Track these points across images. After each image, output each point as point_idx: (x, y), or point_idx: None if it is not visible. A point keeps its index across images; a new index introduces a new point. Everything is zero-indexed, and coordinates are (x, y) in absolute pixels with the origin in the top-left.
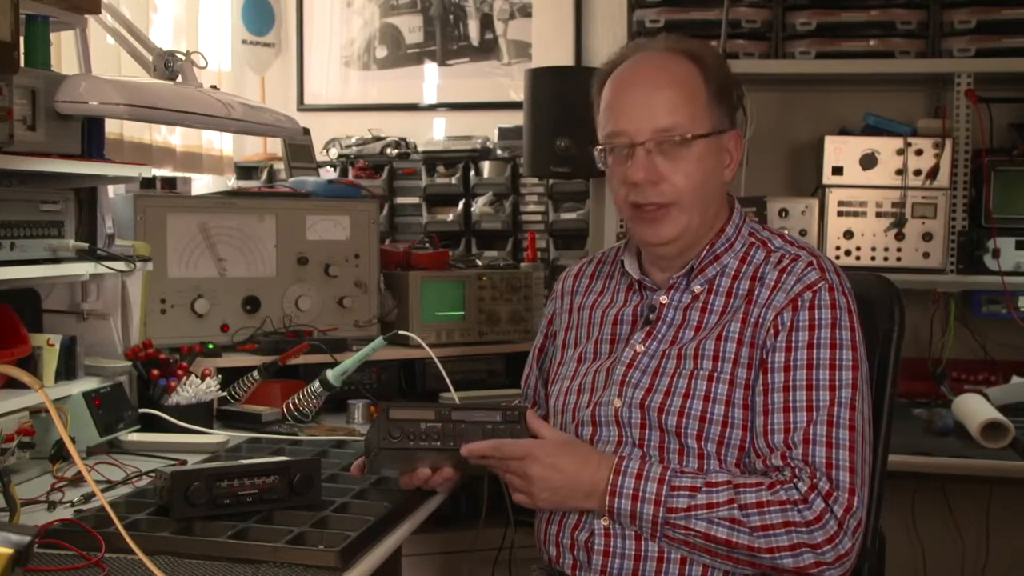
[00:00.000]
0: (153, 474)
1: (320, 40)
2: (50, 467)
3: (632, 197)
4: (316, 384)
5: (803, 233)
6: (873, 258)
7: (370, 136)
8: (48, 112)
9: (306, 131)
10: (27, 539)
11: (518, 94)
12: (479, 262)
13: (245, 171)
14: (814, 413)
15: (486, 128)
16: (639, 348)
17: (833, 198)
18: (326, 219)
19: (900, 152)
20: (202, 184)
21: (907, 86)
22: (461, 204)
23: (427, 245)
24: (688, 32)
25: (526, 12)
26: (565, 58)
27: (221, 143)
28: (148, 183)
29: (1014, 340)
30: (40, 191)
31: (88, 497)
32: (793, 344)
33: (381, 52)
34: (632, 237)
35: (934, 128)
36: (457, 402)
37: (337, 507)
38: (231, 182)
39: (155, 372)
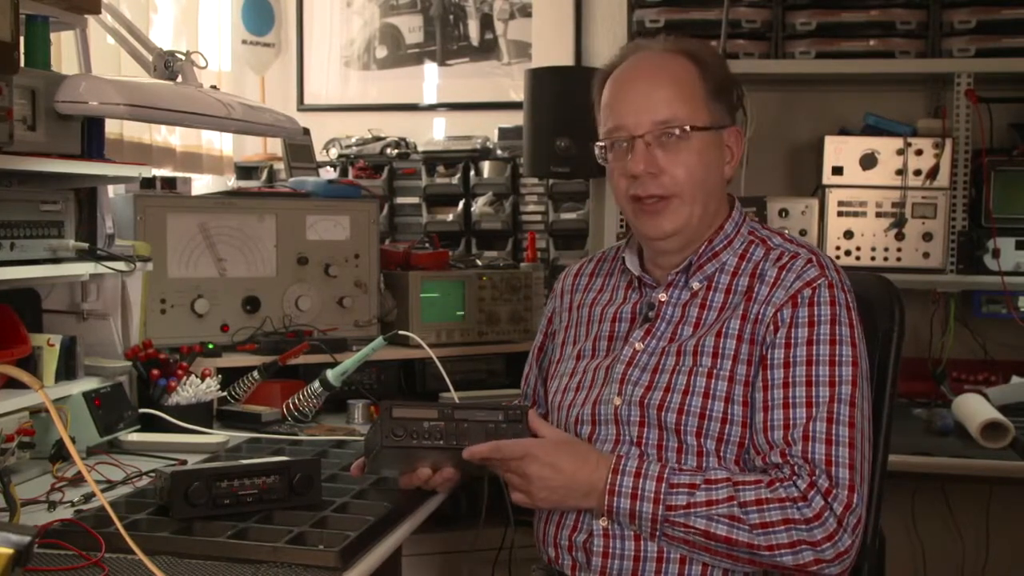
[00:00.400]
0: (153, 474)
1: (320, 40)
2: (50, 467)
3: (632, 190)
4: (316, 384)
5: (803, 233)
6: (873, 258)
7: (370, 136)
8: (48, 112)
9: (306, 131)
10: (27, 539)
11: (518, 94)
12: (479, 262)
13: (245, 171)
14: (814, 409)
15: (486, 128)
16: (638, 346)
17: (833, 198)
18: (326, 219)
19: (900, 152)
20: (202, 184)
21: (907, 86)
22: (461, 204)
23: (427, 245)
24: (688, 32)
25: (526, 12)
26: (565, 58)
27: (221, 143)
28: (148, 183)
29: (1014, 340)
30: (40, 191)
31: (88, 497)
32: (793, 340)
33: (381, 52)
34: (634, 233)
35: (934, 128)
36: (458, 402)
37: (337, 507)
38: (231, 182)
39: (155, 372)
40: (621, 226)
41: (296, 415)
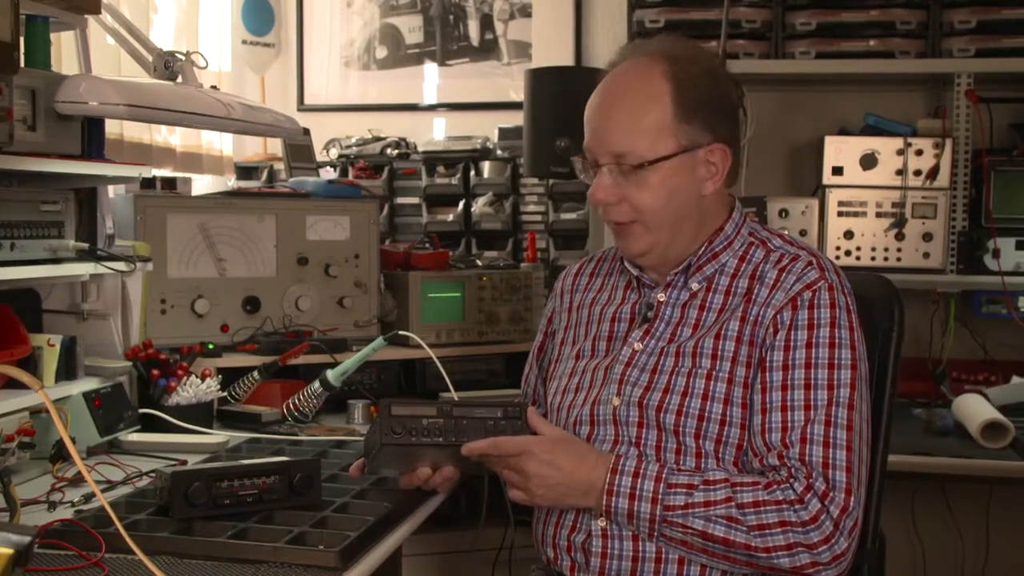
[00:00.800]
0: (153, 474)
1: (320, 40)
2: (50, 467)
3: (600, 212)
4: (316, 384)
5: (803, 233)
6: (873, 258)
7: (370, 136)
8: (48, 112)
9: (306, 131)
10: (27, 539)
11: (518, 94)
12: (479, 262)
13: (245, 171)
14: (812, 412)
15: (486, 128)
16: (637, 346)
17: (833, 198)
18: (326, 219)
19: (900, 152)
20: (202, 184)
21: (907, 86)
22: (461, 204)
23: (427, 245)
24: (688, 32)
25: (526, 12)
26: (565, 58)
27: (221, 143)
28: (148, 183)
29: (1014, 340)
30: (40, 191)
31: (88, 497)
32: (792, 343)
33: (381, 52)
34: None
35: (934, 128)
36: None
37: (337, 507)
38: (231, 182)
39: (155, 372)
40: None
41: (296, 415)
